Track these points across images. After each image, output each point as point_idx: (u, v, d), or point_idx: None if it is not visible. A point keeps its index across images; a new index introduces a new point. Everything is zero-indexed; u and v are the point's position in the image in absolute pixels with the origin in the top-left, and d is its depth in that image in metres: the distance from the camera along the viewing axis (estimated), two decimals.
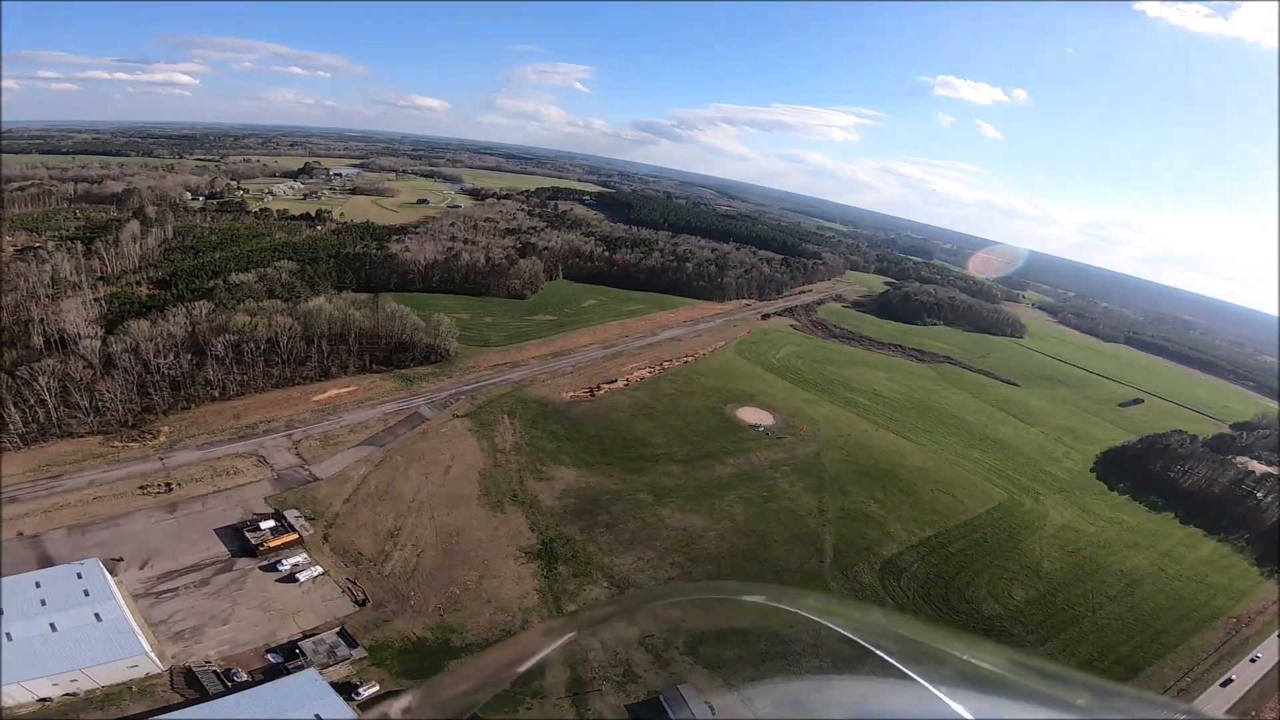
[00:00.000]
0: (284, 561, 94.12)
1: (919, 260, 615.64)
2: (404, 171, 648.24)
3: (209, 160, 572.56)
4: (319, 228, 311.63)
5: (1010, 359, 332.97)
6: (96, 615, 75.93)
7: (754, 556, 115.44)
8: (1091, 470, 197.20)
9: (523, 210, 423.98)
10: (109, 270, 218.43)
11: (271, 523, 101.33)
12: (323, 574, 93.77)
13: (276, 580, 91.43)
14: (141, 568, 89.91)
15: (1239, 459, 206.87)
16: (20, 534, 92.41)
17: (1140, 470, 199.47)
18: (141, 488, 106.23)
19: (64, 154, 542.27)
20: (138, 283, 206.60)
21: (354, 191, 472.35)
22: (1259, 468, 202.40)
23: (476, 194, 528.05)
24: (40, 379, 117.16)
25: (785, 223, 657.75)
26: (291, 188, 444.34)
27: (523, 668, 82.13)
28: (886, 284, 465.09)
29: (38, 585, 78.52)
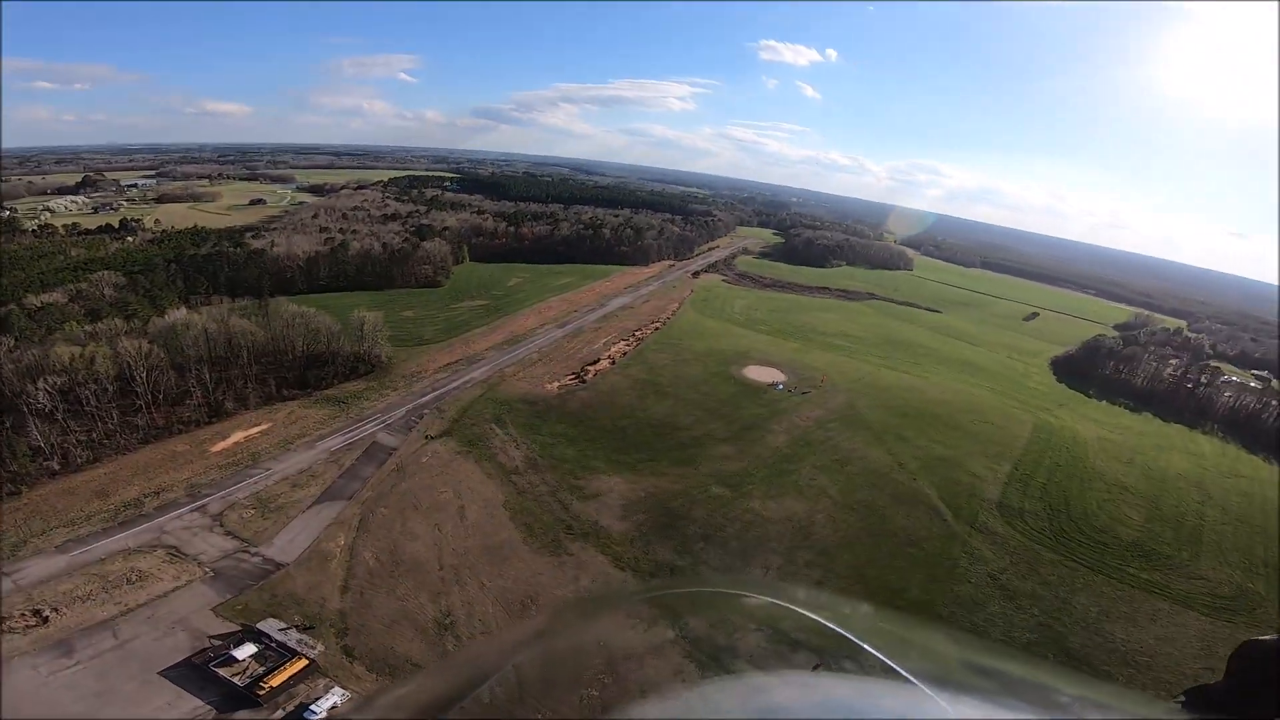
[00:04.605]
0: (313, 708, 55.48)
1: (785, 213, 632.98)
2: (219, 176, 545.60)
3: None
4: (130, 239, 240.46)
5: (916, 289, 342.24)
6: None
7: (879, 531, 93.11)
8: (1060, 382, 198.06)
9: (390, 198, 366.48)
10: None
11: (250, 647, 60.52)
12: None
13: None
14: None
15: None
16: None
17: (1095, 375, 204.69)
18: None
19: None
20: None
21: (161, 200, 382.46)
22: (1175, 362, 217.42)
23: (320, 190, 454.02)
24: None
25: (653, 189, 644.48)
26: (74, 202, 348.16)
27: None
28: (777, 234, 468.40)
29: None
